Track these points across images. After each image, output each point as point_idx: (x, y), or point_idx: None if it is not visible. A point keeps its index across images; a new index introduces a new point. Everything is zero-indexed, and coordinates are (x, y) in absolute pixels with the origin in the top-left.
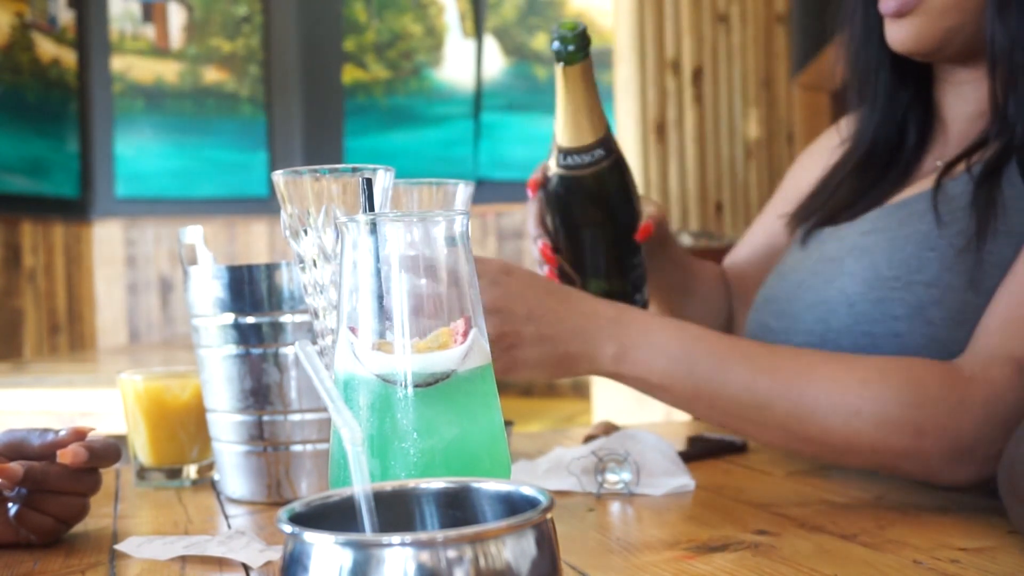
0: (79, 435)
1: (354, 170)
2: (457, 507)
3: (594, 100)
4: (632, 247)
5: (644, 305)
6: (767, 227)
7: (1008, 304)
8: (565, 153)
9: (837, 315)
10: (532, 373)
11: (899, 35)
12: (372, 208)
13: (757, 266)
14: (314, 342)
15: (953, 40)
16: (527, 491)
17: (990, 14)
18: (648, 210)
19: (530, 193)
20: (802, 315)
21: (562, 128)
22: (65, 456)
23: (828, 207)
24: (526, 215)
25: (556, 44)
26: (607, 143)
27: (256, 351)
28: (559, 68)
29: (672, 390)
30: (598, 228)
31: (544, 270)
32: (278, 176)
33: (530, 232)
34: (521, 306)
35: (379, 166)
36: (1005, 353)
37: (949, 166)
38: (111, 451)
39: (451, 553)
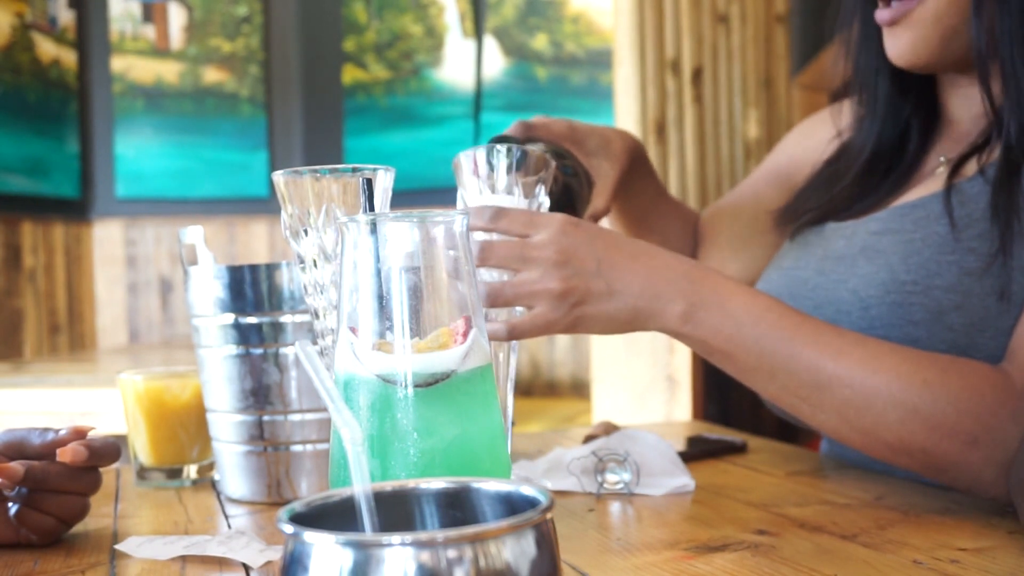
0: (79, 434)
1: (354, 170)
2: (457, 507)
3: None
4: None
5: None
6: (753, 186)
7: None
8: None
9: (850, 317)
10: (597, 329)
11: (897, 48)
12: (372, 208)
13: (734, 216)
14: (314, 342)
15: (950, 47)
16: (527, 491)
17: (972, 16)
18: (596, 203)
19: None
20: (810, 314)
21: None
22: (65, 455)
23: (823, 206)
24: None
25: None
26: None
27: (256, 351)
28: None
29: (734, 357)
30: None
31: None
32: (278, 176)
33: None
34: (591, 260)
35: (379, 166)
36: None
37: (957, 166)
38: (111, 450)
39: (451, 553)
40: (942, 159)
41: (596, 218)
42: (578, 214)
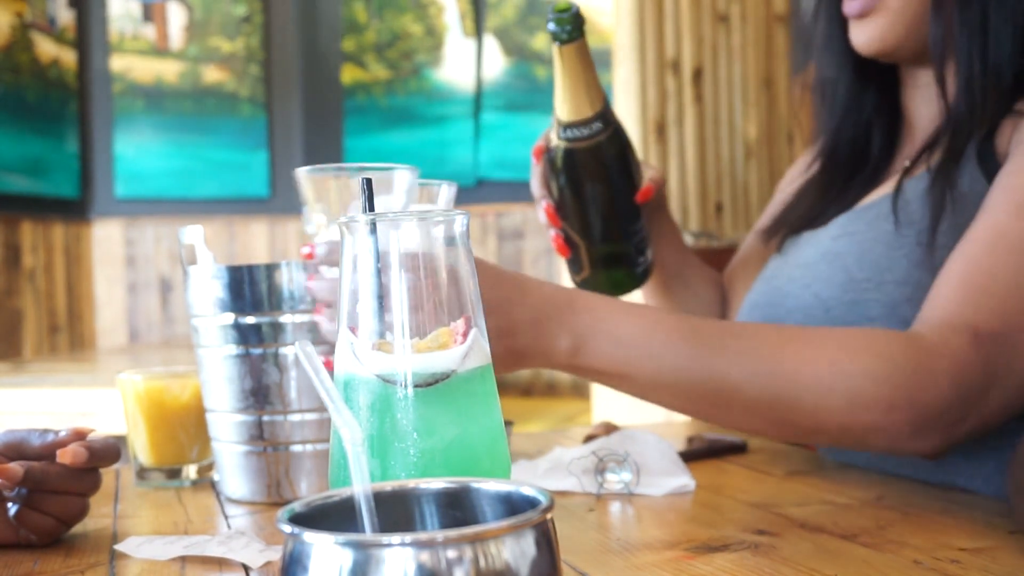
0: (79, 435)
1: (364, 171)
2: (457, 507)
3: (591, 76)
4: (633, 212)
5: (648, 267)
6: (752, 242)
7: (960, 270)
8: (565, 127)
9: (816, 320)
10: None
11: (863, 36)
12: (372, 208)
13: (743, 278)
14: (314, 342)
15: (914, 37)
16: (527, 491)
17: (931, 8)
18: (648, 174)
19: (534, 159)
20: (783, 320)
21: (561, 103)
22: (65, 456)
23: (798, 215)
24: (532, 177)
25: (552, 25)
26: (605, 116)
27: (256, 351)
28: (556, 48)
29: (632, 379)
30: (599, 196)
31: (551, 233)
32: (302, 173)
33: (534, 194)
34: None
35: (403, 165)
36: (961, 321)
37: (910, 167)
38: (111, 451)
39: (451, 553)
40: (907, 163)
41: (658, 184)
42: (632, 170)
